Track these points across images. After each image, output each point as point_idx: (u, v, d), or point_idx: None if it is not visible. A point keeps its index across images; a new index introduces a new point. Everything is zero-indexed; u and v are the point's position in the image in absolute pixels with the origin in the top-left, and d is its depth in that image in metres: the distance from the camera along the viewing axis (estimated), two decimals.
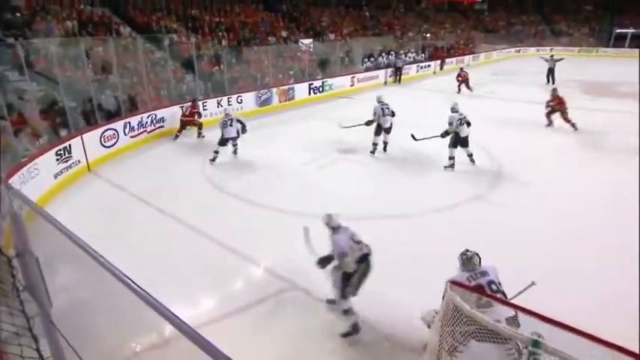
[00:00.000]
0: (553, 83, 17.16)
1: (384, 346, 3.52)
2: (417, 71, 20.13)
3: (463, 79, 16.03)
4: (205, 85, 12.10)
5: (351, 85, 16.02)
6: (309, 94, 14.25)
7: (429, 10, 33.72)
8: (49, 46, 8.77)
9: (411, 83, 18.18)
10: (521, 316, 2.58)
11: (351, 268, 3.38)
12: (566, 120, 9.91)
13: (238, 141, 8.31)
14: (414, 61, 20.51)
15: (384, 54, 19.17)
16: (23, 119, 7.41)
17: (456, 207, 6.08)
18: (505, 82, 18.74)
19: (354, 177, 7.48)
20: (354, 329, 3.52)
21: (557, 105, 9.99)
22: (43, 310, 1.77)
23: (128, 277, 1.21)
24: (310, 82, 14.40)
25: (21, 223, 1.66)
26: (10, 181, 5.04)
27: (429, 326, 3.13)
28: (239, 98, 11.69)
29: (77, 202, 6.47)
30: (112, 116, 8.97)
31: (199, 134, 9.83)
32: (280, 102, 13.12)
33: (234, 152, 8.42)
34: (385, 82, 17.85)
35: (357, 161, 8.17)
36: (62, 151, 6.89)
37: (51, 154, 6.63)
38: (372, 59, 18.32)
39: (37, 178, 6.03)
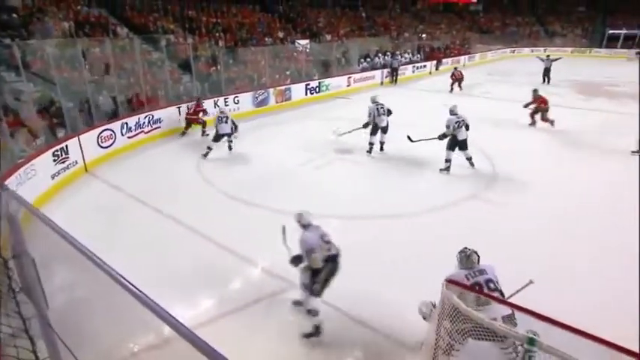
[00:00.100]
0: (549, 83, 17.34)
1: (381, 345, 3.55)
2: (413, 72, 20.20)
3: (456, 79, 16.24)
4: (202, 86, 12.10)
5: (348, 86, 16.06)
6: (306, 94, 14.28)
7: (424, 10, 33.86)
8: (45, 47, 8.74)
9: (407, 84, 18.25)
10: (519, 314, 2.60)
11: (319, 265, 3.43)
12: (545, 119, 10.21)
13: (233, 137, 8.53)
14: (410, 62, 20.59)
15: (380, 54, 19.24)
16: (19, 120, 7.39)
17: (452, 207, 6.13)
18: (500, 82, 18.86)
19: (350, 177, 7.52)
20: (317, 331, 3.54)
21: (541, 104, 10.20)
22: (39, 311, 1.78)
23: (124, 278, 1.22)
24: (307, 83, 14.43)
25: (17, 225, 1.66)
26: (6, 182, 5.03)
27: (424, 318, 3.15)
28: (236, 99, 11.70)
29: (74, 202, 6.47)
30: (109, 117, 8.97)
31: (203, 132, 9.89)
32: (277, 102, 13.14)
33: (229, 148, 8.59)
34: (381, 83, 17.91)
35: (354, 161, 8.21)
36: (59, 152, 6.88)
37: (48, 155, 6.62)
38: (368, 60, 18.39)
39: (34, 179, 6.03)
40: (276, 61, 15.00)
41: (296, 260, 3.53)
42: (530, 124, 10.52)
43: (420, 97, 15.66)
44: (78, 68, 8.93)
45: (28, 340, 1.85)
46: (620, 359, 1.98)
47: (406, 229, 5.48)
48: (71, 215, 5.90)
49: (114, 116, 9.04)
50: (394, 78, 18.26)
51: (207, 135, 9.70)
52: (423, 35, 26.77)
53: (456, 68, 17.08)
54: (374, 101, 8.27)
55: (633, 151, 8.29)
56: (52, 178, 6.67)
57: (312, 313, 3.52)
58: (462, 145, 7.28)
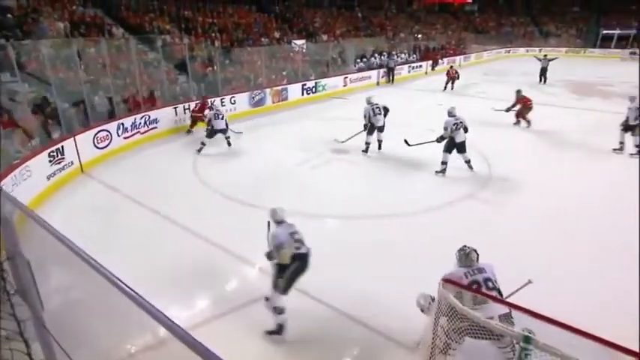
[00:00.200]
0: (545, 82, 17.51)
1: (378, 344, 3.56)
2: (409, 72, 20.26)
3: (451, 77, 16.44)
4: (199, 86, 12.08)
5: (344, 86, 16.08)
6: (303, 94, 14.29)
7: (420, 11, 33.95)
8: (41, 48, 8.70)
9: (403, 83, 18.30)
10: (516, 313, 2.62)
11: (286, 261, 3.47)
12: (524, 118, 10.37)
13: (229, 133, 8.73)
14: (406, 62, 20.66)
15: (376, 55, 19.29)
16: (14, 121, 7.35)
17: (449, 207, 6.16)
18: (496, 82, 18.95)
19: (347, 177, 7.54)
20: (279, 330, 3.56)
21: (525, 104, 10.30)
22: (34, 313, 1.77)
23: (120, 280, 1.22)
24: (303, 83, 14.44)
25: (11, 226, 1.65)
26: (1, 183, 5.01)
27: (422, 310, 3.16)
28: (232, 99, 11.69)
29: (70, 203, 6.45)
30: (105, 117, 8.94)
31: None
32: (274, 102, 13.14)
33: (228, 144, 8.82)
34: (378, 83, 17.95)
35: (351, 161, 8.23)
36: (55, 153, 6.86)
37: (43, 156, 6.59)
38: (364, 60, 18.43)
39: (30, 180, 6.00)
40: (273, 62, 15.00)
41: (270, 255, 3.58)
42: (515, 124, 10.60)
43: (416, 96, 15.72)
44: (73, 68, 8.90)
45: (22, 342, 1.84)
46: (620, 358, 2.00)
47: (403, 229, 5.51)
48: (67, 216, 5.89)
49: (110, 117, 9.01)
50: (390, 78, 18.32)
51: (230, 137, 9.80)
52: (419, 35, 26.84)
53: (451, 67, 17.21)
54: (369, 102, 8.30)
55: (614, 149, 8.45)
56: (48, 178, 6.64)
57: (276, 310, 3.53)
58: (460, 148, 7.15)
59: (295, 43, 16.52)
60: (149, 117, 9.50)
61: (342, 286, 4.23)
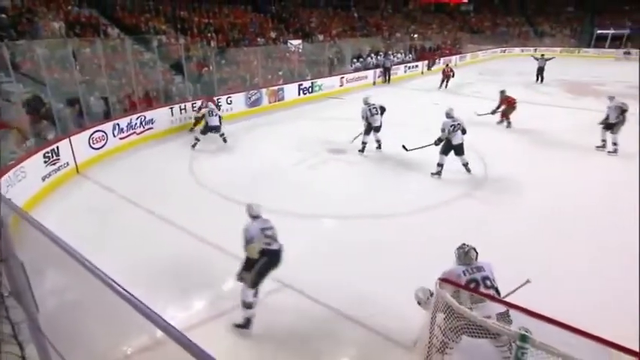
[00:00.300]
0: (542, 82, 17.65)
1: (374, 343, 3.57)
2: (405, 71, 20.30)
3: (446, 75, 16.70)
4: (195, 86, 12.05)
5: (341, 86, 16.10)
6: (299, 94, 14.29)
7: (416, 11, 34.03)
8: (35, 48, 8.65)
9: (399, 83, 18.35)
10: (514, 312, 2.62)
11: (254, 255, 3.55)
12: (508, 118, 10.41)
13: (223, 130, 8.97)
14: (402, 62, 20.71)
15: (372, 54, 19.32)
16: (3, 122, 7.29)
17: (446, 206, 6.18)
18: (491, 81, 19.01)
19: (344, 177, 7.55)
20: (246, 323, 3.62)
21: (509, 104, 10.34)
22: (29, 315, 1.76)
23: (116, 282, 1.22)
24: (300, 83, 14.44)
25: (5, 228, 1.64)
26: None
27: (419, 303, 3.17)
28: (229, 99, 11.67)
29: (66, 204, 6.41)
30: (100, 118, 8.90)
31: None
32: (270, 102, 13.13)
33: (224, 141, 9.06)
34: (374, 83, 17.98)
35: (347, 161, 8.24)
36: (50, 154, 6.82)
37: (38, 157, 6.55)
38: (360, 60, 18.45)
39: (25, 181, 5.96)
40: (269, 62, 14.98)
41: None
42: (499, 122, 10.61)
43: (412, 96, 15.76)
44: (69, 69, 8.85)
45: (17, 345, 1.82)
46: (619, 357, 2.01)
47: (399, 228, 5.52)
48: (63, 217, 5.87)
49: (105, 117, 8.97)
50: (387, 78, 18.37)
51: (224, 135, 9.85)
52: (415, 35, 26.90)
53: (447, 65, 17.39)
54: (366, 102, 8.32)
55: (598, 146, 8.57)
56: (43, 179, 6.60)
57: (245, 305, 3.60)
58: (458, 150, 7.02)
59: (291, 43, 16.50)
60: (145, 117, 9.46)
61: (339, 286, 4.24)
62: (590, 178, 7.21)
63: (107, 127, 8.47)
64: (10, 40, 9.56)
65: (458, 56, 25.70)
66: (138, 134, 9.31)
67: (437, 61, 22.39)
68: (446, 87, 16.80)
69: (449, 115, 7.08)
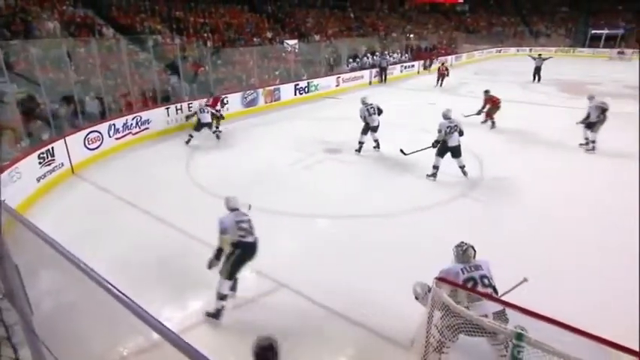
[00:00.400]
0: (539, 81, 17.77)
1: (371, 343, 3.57)
2: (401, 71, 20.36)
3: (440, 74, 16.99)
4: (190, 87, 12.01)
5: (337, 86, 16.11)
6: (295, 94, 14.29)
7: (412, 11, 34.10)
8: (29, 48, 8.58)
9: (395, 83, 18.39)
10: (511, 310, 2.63)
11: (225, 246, 3.67)
12: (492, 118, 10.43)
13: (215, 127, 9.40)
14: (399, 62, 20.75)
15: (368, 54, 19.35)
16: (1, 122, 7.23)
17: (443, 206, 6.18)
18: (487, 81, 19.05)
19: (340, 176, 7.55)
20: (216, 314, 3.71)
21: (493, 104, 10.35)
22: (23, 317, 1.74)
23: (111, 284, 1.21)
24: (296, 83, 14.44)
25: None
26: None
27: (416, 297, 3.17)
28: (225, 99, 11.64)
29: (61, 205, 6.37)
30: (96, 118, 8.86)
31: (217, 128, 10.01)
32: (266, 103, 13.12)
33: (217, 137, 9.46)
34: (370, 83, 18.01)
35: (344, 160, 8.25)
36: (45, 154, 6.78)
37: (33, 158, 6.51)
38: (357, 60, 18.48)
39: (19, 182, 5.92)
40: (265, 62, 14.97)
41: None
42: (483, 122, 10.56)
43: (409, 96, 15.79)
44: (63, 69, 8.80)
45: (10, 348, 1.81)
46: (619, 357, 2.02)
47: (397, 228, 5.52)
48: (58, 218, 5.83)
49: (101, 117, 8.92)
50: (383, 78, 18.41)
51: (221, 132, 9.93)
52: (411, 35, 26.97)
53: (442, 64, 17.57)
54: (363, 102, 8.34)
55: (581, 144, 8.65)
56: (38, 180, 6.55)
57: (218, 296, 3.70)
58: (455, 152, 6.88)
59: (287, 43, 16.51)
60: (141, 118, 9.43)
61: (335, 286, 4.24)
62: (590, 178, 7.20)
63: (103, 127, 8.44)
64: (3, 39, 9.48)
65: (454, 56, 25.79)
66: (134, 134, 9.28)
67: (434, 60, 22.46)
68: (441, 85, 16.99)
69: (446, 116, 6.96)
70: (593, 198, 6.35)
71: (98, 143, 8.27)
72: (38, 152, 6.65)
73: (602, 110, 8.34)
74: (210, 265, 3.74)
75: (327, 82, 15.67)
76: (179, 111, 10.33)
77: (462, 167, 7.01)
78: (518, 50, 32.80)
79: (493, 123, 10.46)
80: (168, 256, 4.84)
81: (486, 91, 10.55)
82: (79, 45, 10.61)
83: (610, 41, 31.96)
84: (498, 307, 2.78)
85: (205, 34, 15.66)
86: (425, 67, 21.88)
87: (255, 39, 17.29)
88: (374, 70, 18.29)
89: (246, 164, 8.06)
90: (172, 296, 4.11)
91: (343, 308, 3.91)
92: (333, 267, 4.62)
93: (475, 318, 2.53)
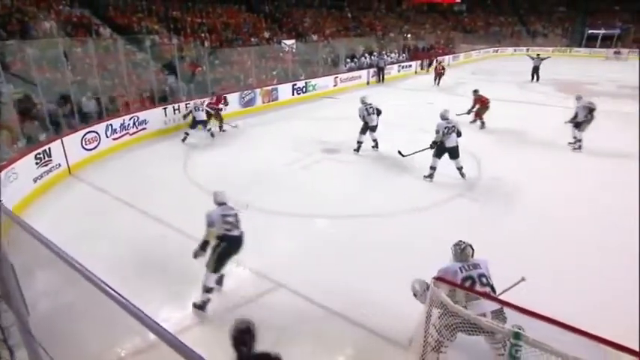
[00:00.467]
0: (537, 81, 17.84)
1: (370, 342, 3.57)
2: (399, 71, 20.38)
3: (438, 73, 17.14)
4: (188, 87, 11.99)
5: (334, 86, 16.12)
6: (293, 94, 14.28)
7: (409, 11, 34.13)
8: (26, 48, 8.54)
9: (393, 83, 18.41)
10: (509, 309, 2.63)
11: (210, 238, 3.80)
12: (481, 118, 10.43)
13: (210, 125, 9.53)
14: (396, 62, 20.77)
15: (366, 54, 19.36)
16: None
17: (441, 205, 6.18)
18: (484, 81, 19.12)
19: (338, 176, 7.55)
20: (202, 306, 3.81)
21: (482, 104, 10.34)
22: (19, 319, 1.74)
23: (108, 285, 1.21)
24: (294, 83, 14.43)
25: None
26: None
27: (415, 295, 3.17)
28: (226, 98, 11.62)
29: (58, 206, 6.35)
30: (93, 119, 8.83)
31: (221, 127, 10.17)
32: (264, 102, 13.11)
33: (212, 135, 9.56)
34: (368, 82, 18.01)
35: (341, 160, 8.24)
36: (42, 155, 6.74)
37: (30, 158, 6.48)
38: (354, 60, 18.48)
39: (16, 182, 5.89)
40: (263, 62, 14.96)
41: None
42: (472, 122, 10.52)
43: (406, 96, 15.81)
44: (60, 69, 8.76)
45: (6, 349, 1.80)
46: (618, 357, 2.03)
47: (395, 228, 5.52)
48: (55, 218, 5.81)
49: (98, 118, 8.89)
50: (380, 77, 18.42)
51: (225, 130, 10.13)
52: (408, 35, 27.00)
53: (439, 63, 17.62)
54: (363, 102, 8.34)
55: (569, 143, 8.70)
56: (35, 181, 6.53)
57: (204, 289, 3.82)
58: (452, 153, 6.79)
59: (285, 43, 16.49)
60: (138, 118, 9.40)
61: (333, 286, 4.24)
62: (589, 178, 7.18)
63: (100, 127, 8.41)
64: (0, 40, 9.45)
65: (451, 56, 25.83)
66: (131, 135, 9.25)
67: (433, 61, 22.51)
68: (438, 84, 17.10)
69: (444, 117, 6.90)
70: (592, 197, 6.34)
71: (95, 143, 8.24)
72: (35, 152, 6.62)
73: (590, 110, 8.45)
74: (196, 255, 3.86)
75: (324, 82, 15.67)
76: (176, 111, 10.31)
77: (459, 169, 6.92)
78: (515, 50, 32.88)
79: (482, 123, 10.42)
80: (166, 256, 4.83)
81: (475, 91, 10.55)
82: (76, 45, 10.57)
83: (606, 41, 32.08)
84: (496, 306, 2.78)
85: (203, 34, 15.64)
86: (422, 67, 21.91)
87: (252, 39, 17.28)
88: (371, 70, 18.30)
89: (244, 164, 8.05)
90: (170, 296, 4.10)
91: (342, 308, 3.91)
92: (331, 267, 4.61)
93: (473, 317, 2.53)
